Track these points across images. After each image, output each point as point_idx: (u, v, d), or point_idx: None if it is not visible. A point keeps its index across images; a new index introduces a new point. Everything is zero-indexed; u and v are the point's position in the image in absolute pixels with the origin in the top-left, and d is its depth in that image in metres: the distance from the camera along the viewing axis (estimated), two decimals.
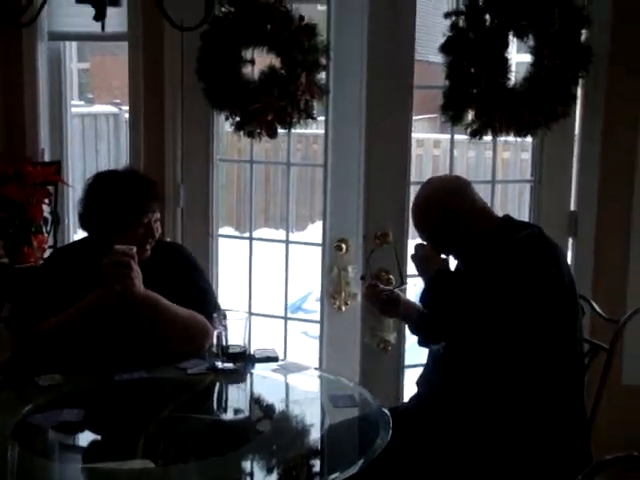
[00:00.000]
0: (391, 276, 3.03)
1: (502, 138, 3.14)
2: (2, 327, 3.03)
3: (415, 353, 3.11)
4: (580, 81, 3.01)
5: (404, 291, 2.75)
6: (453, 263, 2.53)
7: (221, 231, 3.70)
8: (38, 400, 2.15)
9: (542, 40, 2.92)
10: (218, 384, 2.40)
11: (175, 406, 2.26)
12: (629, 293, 3.12)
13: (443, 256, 2.44)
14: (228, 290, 3.75)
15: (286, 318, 3.67)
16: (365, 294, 2.72)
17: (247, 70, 3.29)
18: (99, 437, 2.11)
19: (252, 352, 2.45)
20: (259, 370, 2.44)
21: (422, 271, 2.43)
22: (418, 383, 2.55)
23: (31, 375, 2.26)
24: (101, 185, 2.54)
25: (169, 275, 2.54)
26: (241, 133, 3.32)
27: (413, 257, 2.47)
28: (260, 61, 3.31)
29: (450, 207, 2.34)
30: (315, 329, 3.64)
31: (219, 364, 2.36)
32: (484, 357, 2.23)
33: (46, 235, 3.62)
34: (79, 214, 2.57)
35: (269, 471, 1.91)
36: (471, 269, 2.38)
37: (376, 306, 2.62)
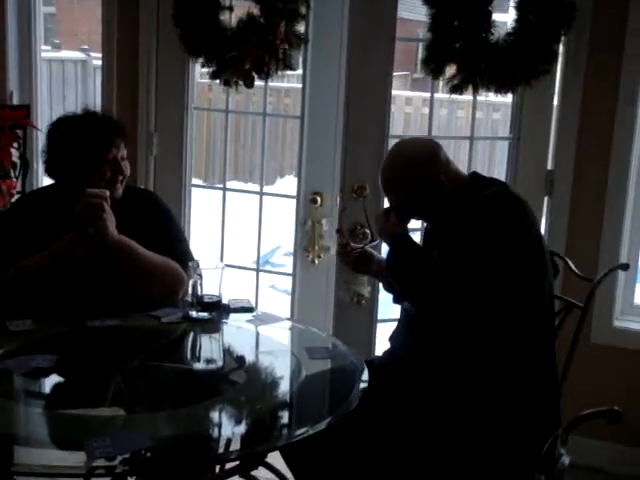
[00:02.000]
0: (367, 230, 3.01)
1: (479, 98, 3.12)
2: None
3: (388, 307, 3.11)
4: (562, 39, 2.99)
5: (377, 247, 2.73)
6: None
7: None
8: (9, 345, 2.12)
9: None
10: (192, 333, 2.38)
11: (147, 354, 2.25)
12: (602, 252, 3.14)
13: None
14: (198, 241, 3.71)
15: (258, 270, 3.65)
16: (337, 252, 2.70)
17: (225, 17, 3.23)
18: (70, 383, 2.09)
19: (227, 302, 2.43)
20: (233, 321, 2.42)
21: (384, 232, 2.40)
22: (391, 339, 2.55)
23: (2, 320, 2.23)
24: (61, 128, 2.49)
25: (142, 221, 2.50)
26: (215, 82, 3.27)
27: (376, 219, 2.45)
28: (239, 9, 3.25)
29: (426, 177, 2.29)
30: (283, 282, 3.64)
31: (193, 313, 2.34)
32: (454, 316, 2.22)
33: (15, 180, 3.55)
34: (44, 162, 2.52)
35: (239, 422, 1.91)
36: (439, 229, 2.37)
37: (349, 265, 2.60)
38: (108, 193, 2.34)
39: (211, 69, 3.24)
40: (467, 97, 3.28)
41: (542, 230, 2.97)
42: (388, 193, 2.41)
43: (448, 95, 3.08)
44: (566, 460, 1.28)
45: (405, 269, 2.30)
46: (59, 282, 2.34)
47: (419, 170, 2.30)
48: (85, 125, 2.46)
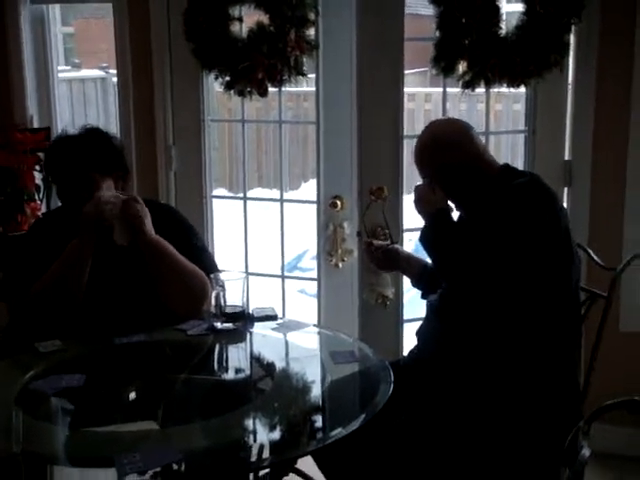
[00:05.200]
0: (387, 231, 3.02)
1: (495, 90, 3.12)
2: None
3: (414, 307, 3.12)
4: (573, 28, 2.98)
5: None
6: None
7: (215, 192, 3.69)
8: (39, 366, 2.15)
9: None
10: (218, 344, 2.40)
11: (176, 368, 2.27)
12: (625, 240, 3.12)
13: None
14: (224, 251, 3.74)
15: (283, 277, 3.67)
16: (363, 251, 2.71)
17: (235, 28, 3.25)
18: (100, 401, 2.09)
19: (251, 311, 2.44)
20: (258, 329, 2.44)
21: (424, 204, 2.39)
22: (417, 334, 2.56)
23: (31, 342, 2.26)
24: (47, 151, 2.59)
25: (163, 236, 2.52)
26: (231, 92, 3.29)
27: (415, 199, 2.44)
28: (248, 18, 3.27)
29: (461, 159, 2.32)
30: (312, 287, 3.65)
31: (218, 324, 2.35)
32: (481, 305, 2.23)
33: (39, 202, 3.61)
34: None
35: (272, 429, 1.92)
36: (471, 216, 2.37)
37: (374, 263, 2.62)
38: (121, 197, 2.38)
39: (225, 80, 3.27)
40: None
41: None
42: (424, 172, 2.42)
43: (463, 90, 3.08)
44: (587, 452, 1.28)
45: (443, 242, 2.30)
46: (78, 290, 2.36)
47: (455, 151, 2.33)
48: (55, 154, 2.51)
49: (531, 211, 2.20)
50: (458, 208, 2.49)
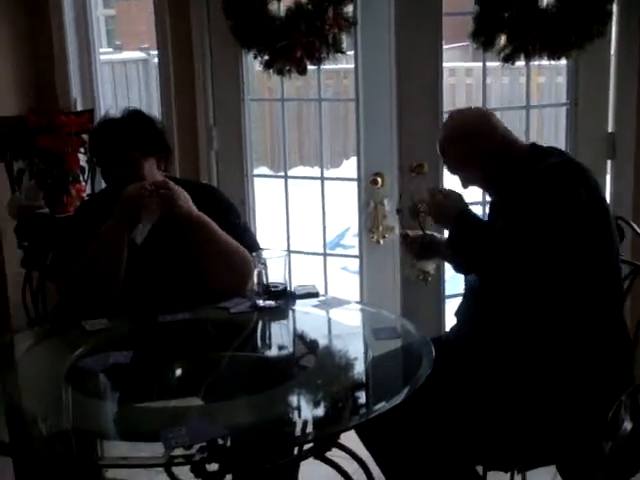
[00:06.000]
0: (419, 206, 3.00)
1: (536, 62, 3.08)
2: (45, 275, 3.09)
3: (455, 283, 3.12)
4: None
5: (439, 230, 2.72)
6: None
7: (257, 171, 3.71)
8: (87, 344, 2.19)
9: None
10: (261, 322, 2.42)
11: (219, 345, 2.31)
12: None
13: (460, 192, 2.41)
14: (266, 230, 3.77)
15: (325, 254, 3.69)
16: (400, 243, 2.68)
17: (274, 7, 3.26)
18: (147, 377, 2.14)
19: (293, 289, 2.46)
20: (301, 307, 2.45)
21: (441, 217, 2.38)
22: (457, 314, 2.56)
23: (78, 320, 2.31)
24: (91, 133, 2.63)
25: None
26: (270, 71, 3.31)
27: (430, 205, 2.42)
28: None
29: (480, 145, 2.30)
30: (355, 264, 3.66)
31: (260, 302, 2.37)
32: (522, 286, 2.22)
33: (84, 184, 3.66)
34: None
35: (315, 405, 1.94)
36: (503, 201, 2.36)
37: (412, 254, 2.61)
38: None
39: (264, 59, 3.29)
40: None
41: (607, 194, 2.94)
42: (445, 160, 2.42)
43: (502, 64, 3.05)
44: (628, 426, 1.28)
45: (469, 246, 2.29)
46: (117, 272, 2.40)
47: (476, 141, 2.31)
48: (99, 136, 2.55)
49: (560, 193, 2.18)
50: (488, 193, 2.47)
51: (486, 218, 2.55)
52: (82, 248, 2.44)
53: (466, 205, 2.36)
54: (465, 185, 2.44)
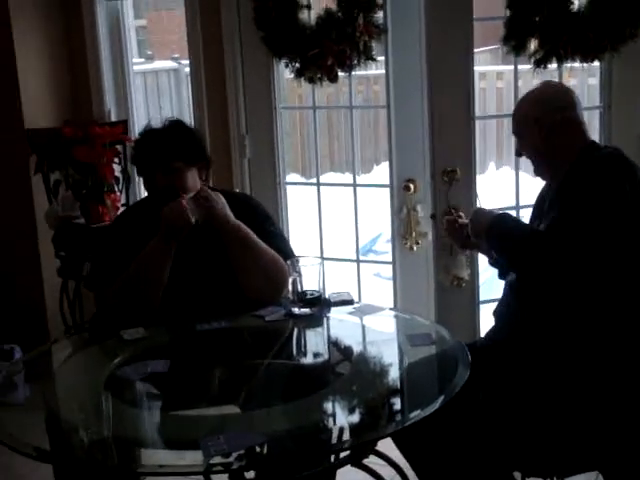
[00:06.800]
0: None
1: (568, 65, 3.06)
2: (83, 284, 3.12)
3: (489, 288, 3.11)
4: None
5: None
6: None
7: (288, 178, 3.73)
8: (125, 353, 2.21)
9: None
10: (296, 330, 2.43)
11: (256, 353, 2.32)
12: None
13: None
14: (299, 236, 3.78)
15: (358, 261, 3.69)
16: (445, 229, 2.67)
17: (304, 16, 3.28)
18: (185, 386, 2.16)
19: (327, 296, 2.46)
20: (335, 314, 2.45)
21: (477, 228, 2.39)
22: (495, 313, 2.55)
23: (116, 329, 2.33)
24: (135, 142, 2.63)
25: None
26: (302, 79, 3.32)
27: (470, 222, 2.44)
28: (316, 5, 3.29)
29: (560, 115, 2.33)
30: (388, 270, 3.66)
31: (296, 310, 2.38)
32: (562, 276, 2.20)
33: (119, 194, 3.70)
34: None
35: (351, 411, 1.95)
36: (555, 186, 2.37)
37: (458, 242, 2.61)
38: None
39: (295, 67, 3.30)
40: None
41: None
42: (515, 124, 2.43)
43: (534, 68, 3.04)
44: None
45: (510, 254, 2.30)
46: (158, 288, 2.42)
47: (554, 110, 2.33)
48: (142, 146, 2.57)
49: (610, 183, 2.18)
50: (540, 173, 2.45)
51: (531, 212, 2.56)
52: (121, 258, 2.46)
53: (497, 213, 2.37)
54: (519, 153, 2.46)
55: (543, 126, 2.33)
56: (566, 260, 2.15)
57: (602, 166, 2.24)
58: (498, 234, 2.32)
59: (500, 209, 2.92)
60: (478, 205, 2.60)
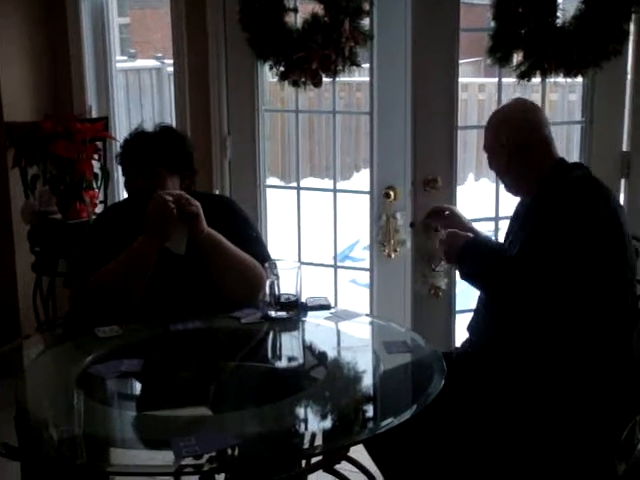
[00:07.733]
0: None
1: (550, 79, 3.08)
2: (63, 282, 3.09)
3: (466, 298, 3.11)
4: (633, 17, 2.93)
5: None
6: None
7: (267, 182, 3.72)
8: (98, 351, 2.19)
9: None
10: (272, 333, 2.42)
11: (230, 355, 2.31)
12: None
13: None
14: (277, 240, 3.77)
15: (336, 266, 3.69)
16: (440, 242, 2.68)
17: (290, 19, 3.27)
18: (157, 386, 2.15)
19: (304, 300, 2.46)
20: (312, 318, 2.45)
21: (449, 253, 2.43)
22: (469, 328, 2.56)
23: (90, 327, 2.31)
24: (122, 144, 2.62)
25: (219, 227, 2.55)
26: (285, 83, 3.31)
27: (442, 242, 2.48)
28: (303, 9, 3.29)
29: (528, 137, 2.36)
30: (364, 277, 3.66)
31: (272, 313, 2.37)
32: (534, 299, 2.22)
33: (97, 190, 3.67)
34: None
35: (324, 417, 1.94)
36: (527, 207, 2.39)
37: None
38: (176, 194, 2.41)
39: (279, 70, 3.30)
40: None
41: None
42: (487, 136, 2.46)
43: (518, 80, 3.06)
44: None
45: (481, 280, 2.34)
46: (141, 286, 2.40)
47: (522, 131, 2.37)
48: (129, 147, 2.56)
49: (583, 206, 2.20)
50: (510, 190, 2.47)
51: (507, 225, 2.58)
52: (102, 256, 2.45)
53: (467, 238, 2.40)
54: (490, 165, 2.49)
55: (511, 150, 2.36)
56: (535, 287, 2.17)
57: (572, 193, 2.25)
58: (469, 260, 2.34)
59: (479, 220, 2.94)
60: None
